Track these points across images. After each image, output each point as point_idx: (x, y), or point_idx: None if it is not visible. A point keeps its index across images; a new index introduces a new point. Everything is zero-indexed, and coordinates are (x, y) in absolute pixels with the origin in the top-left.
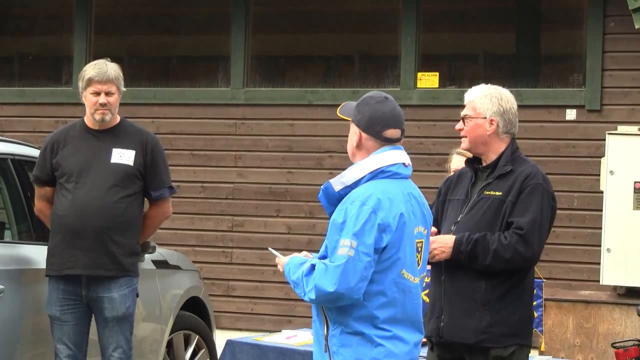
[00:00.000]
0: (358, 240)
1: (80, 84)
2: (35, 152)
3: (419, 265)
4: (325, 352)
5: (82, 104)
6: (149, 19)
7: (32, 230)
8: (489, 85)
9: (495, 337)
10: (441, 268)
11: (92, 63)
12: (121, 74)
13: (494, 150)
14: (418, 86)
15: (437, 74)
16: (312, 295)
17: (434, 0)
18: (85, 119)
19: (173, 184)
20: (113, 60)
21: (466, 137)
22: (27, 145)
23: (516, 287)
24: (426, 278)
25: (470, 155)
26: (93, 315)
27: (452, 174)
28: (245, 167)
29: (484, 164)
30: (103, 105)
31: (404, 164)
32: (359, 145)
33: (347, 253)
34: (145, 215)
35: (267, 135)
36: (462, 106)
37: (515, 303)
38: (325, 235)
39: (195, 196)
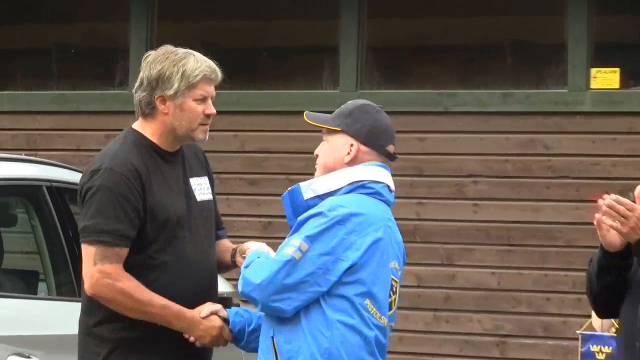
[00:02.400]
0: (310, 245)
1: (177, 84)
2: (79, 177)
3: (392, 308)
4: None
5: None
6: None
7: (74, 281)
8: None
9: None
10: None
11: (179, 52)
12: None
13: None
14: (592, 86)
15: (618, 70)
16: (239, 287)
17: None
18: (154, 136)
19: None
20: None
21: None
22: (68, 169)
23: None
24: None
25: None
26: None
27: None
28: None
29: None
30: (209, 116)
31: (389, 187)
32: (353, 160)
33: (292, 254)
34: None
35: None
36: None
37: None
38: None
39: None
